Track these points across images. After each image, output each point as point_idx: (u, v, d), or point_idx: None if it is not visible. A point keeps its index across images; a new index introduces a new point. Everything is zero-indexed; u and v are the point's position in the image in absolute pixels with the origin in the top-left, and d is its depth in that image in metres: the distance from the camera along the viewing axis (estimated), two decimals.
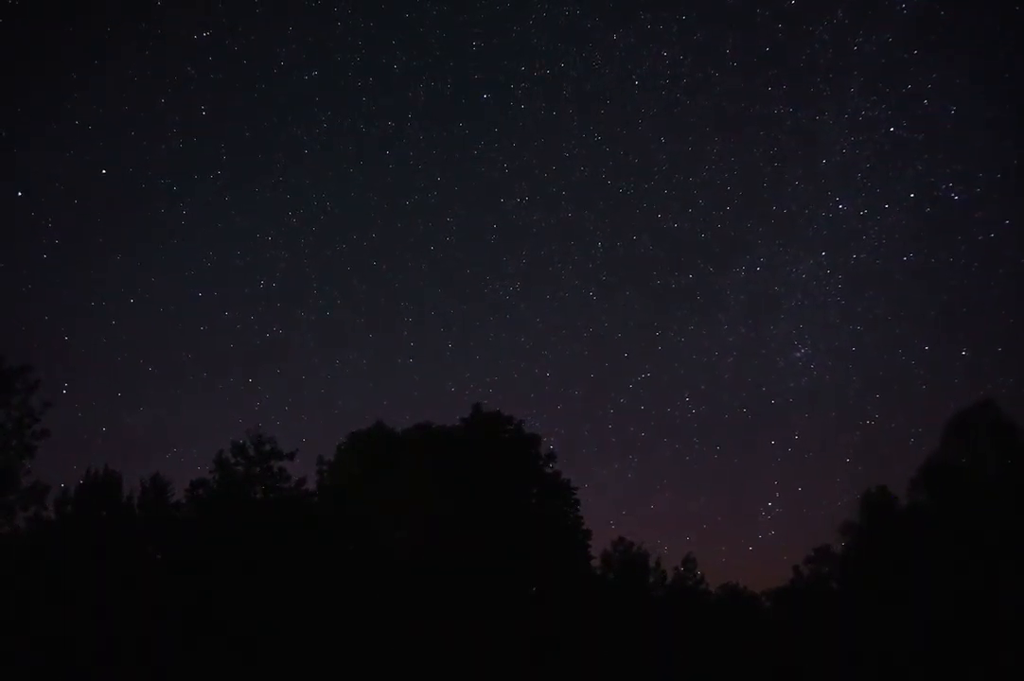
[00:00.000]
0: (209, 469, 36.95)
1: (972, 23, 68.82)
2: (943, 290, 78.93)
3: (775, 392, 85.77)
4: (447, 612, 36.57)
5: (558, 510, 45.59)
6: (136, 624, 29.61)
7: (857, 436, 79.94)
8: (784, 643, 50.52)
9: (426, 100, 78.79)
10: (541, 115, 79.16)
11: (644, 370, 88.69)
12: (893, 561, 39.28)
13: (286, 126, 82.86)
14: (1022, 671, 32.96)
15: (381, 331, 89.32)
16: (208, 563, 32.55)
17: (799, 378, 78.48)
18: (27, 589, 28.62)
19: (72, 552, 30.37)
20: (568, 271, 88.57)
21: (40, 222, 72.42)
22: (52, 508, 32.24)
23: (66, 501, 32.95)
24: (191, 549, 33.30)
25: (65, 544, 30.73)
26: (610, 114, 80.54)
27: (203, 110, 75.24)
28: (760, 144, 79.31)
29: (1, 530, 29.89)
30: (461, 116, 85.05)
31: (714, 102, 76.76)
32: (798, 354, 77.12)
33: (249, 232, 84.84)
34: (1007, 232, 68.61)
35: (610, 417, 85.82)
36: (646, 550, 57.14)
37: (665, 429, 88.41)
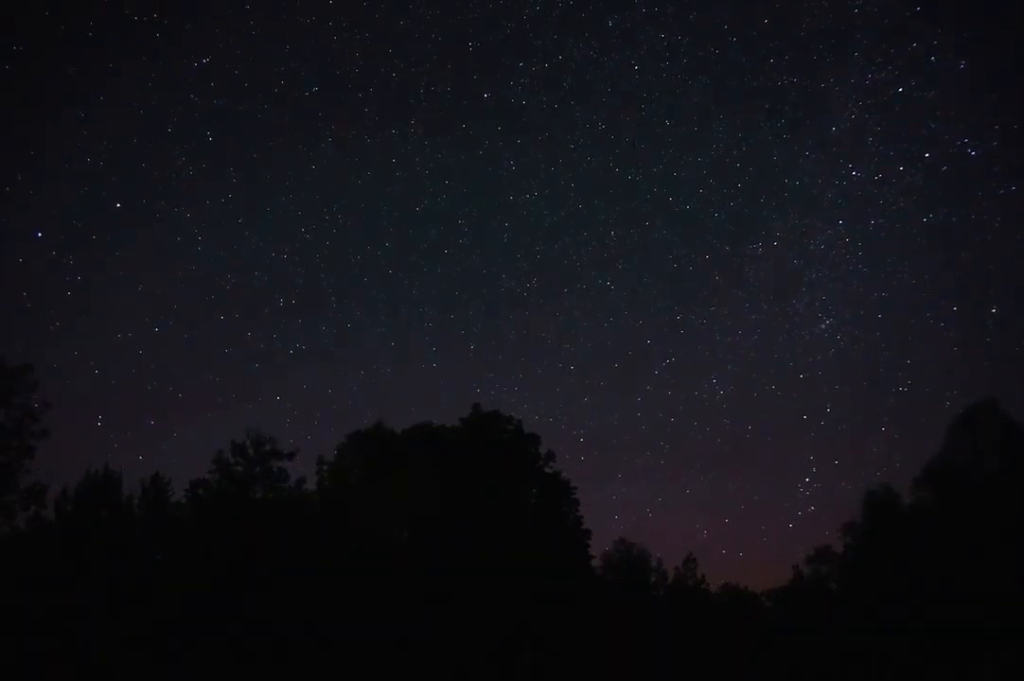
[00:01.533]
0: (209, 469, 36.94)
1: None
2: (967, 248, 76.99)
3: (803, 366, 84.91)
4: (447, 611, 36.52)
5: (558, 510, 45.54)
6: (136, 623, 29.57)
7: (891, 403, 78.92)
8: (784, 643, 50.48)
9: (427, 104, 79.16)
10: (543, 109, 79.07)
11: (668, 355, 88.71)
12: (894, 560, 39.24)
13: (291, 144, 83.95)
14: (1023, 671, 32.94)
15: (403, 338, 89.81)
16: (208, 563, 32.50)
17: (826, 350, 78.14)
18: (27, 589, 28.56)
19: (72, 552, 30.31)
20: (583, 262, 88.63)
21: (61, 259, 73.49)
22: (52, 508, 32.21)
23: (66, 501, 32.90)
24: (191, 549, 33.24)
25: (65, 544, 30.67)
26: (612, 102, 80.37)
27: (209, 136, 76.03)
28: (767, 117, 77.79)
29: (1, 530, 29.86)
30: (463, 117, 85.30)
31: (716, 79, 76.38)
32: (823, 326, 76.62)
33: (264, 251, 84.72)
34: None
35: (638, 405, 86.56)
36: (647, 550, 57.31)
37: (694, 412, 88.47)
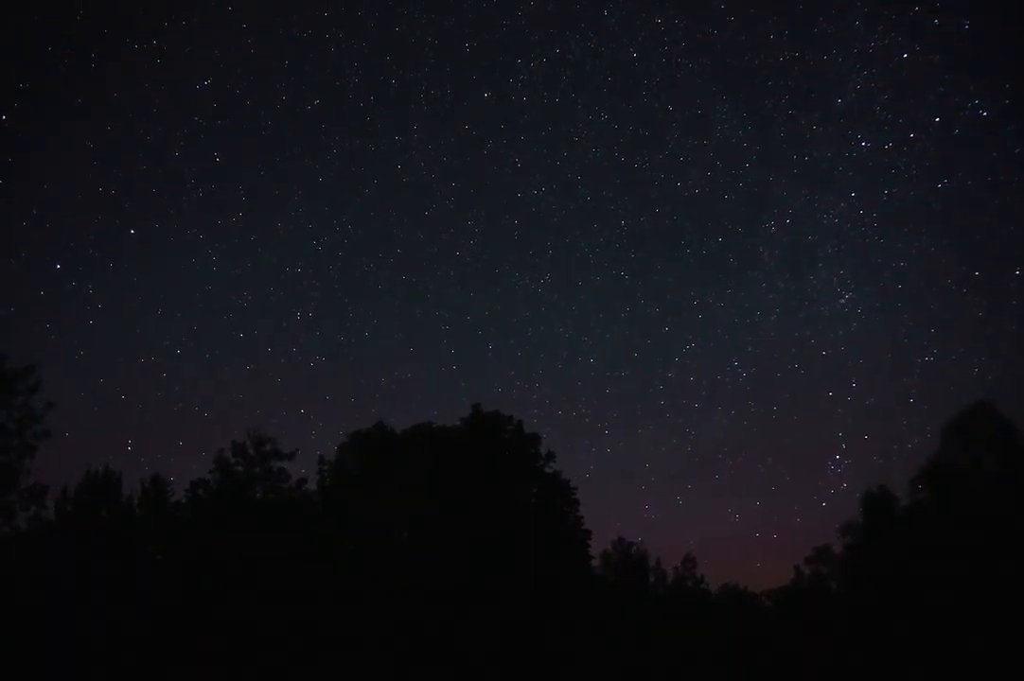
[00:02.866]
0: (209, 469, 37.00)
1: None
2: (985, 211, 75.54)
3: (825, 343, 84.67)
4: (447, 611, 36.59)
5: (558, 510, 45.60)
6: (136, 624, 29.66)
7: (917, 375, 76.59)
8: (784, 643, 50.53)
9: (428, 109, 79.26)
10: (544, 104, 78.94)
11: (688, 341, 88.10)
12: (893, 561, 39.28)
13: (297, 158, 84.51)
14: (1022, 671, 32.98)
15: (421, 343, 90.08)
16: (208, 563, 32.58)
17: (848, 325, 76.98)
18: (27, 589, 28.66)
19: (72, 552, 30.40)
20: (596, 254, 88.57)
21: (81, 290, 74.04)
22: (52, 508, 32.30)
23: (66, 501, 33.01)
24: (191, 549, 33.33)
25: (65, 544, 30.77)
26: (613, 91, 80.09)
27: (216, 156, 77.59)
28: (770, 94, 76.79)
29: (1, 530, 29.94)
30: (465, 118, 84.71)
31: (717, 60, 75.88)
32: (843, 301, 75.75)
33: (278, 267, 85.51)
34: None
35: (661, 393, 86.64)
36: (646, 550, 57.45)
37: (718, 397, 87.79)
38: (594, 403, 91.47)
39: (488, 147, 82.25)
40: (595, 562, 51.97)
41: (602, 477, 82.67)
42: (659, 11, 75.04)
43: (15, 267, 70.98)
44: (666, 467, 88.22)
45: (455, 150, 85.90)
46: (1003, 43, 66.30)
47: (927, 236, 78.18)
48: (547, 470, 45.96)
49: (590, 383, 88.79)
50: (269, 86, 76.41)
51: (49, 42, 68.25)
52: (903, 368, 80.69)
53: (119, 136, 76.87)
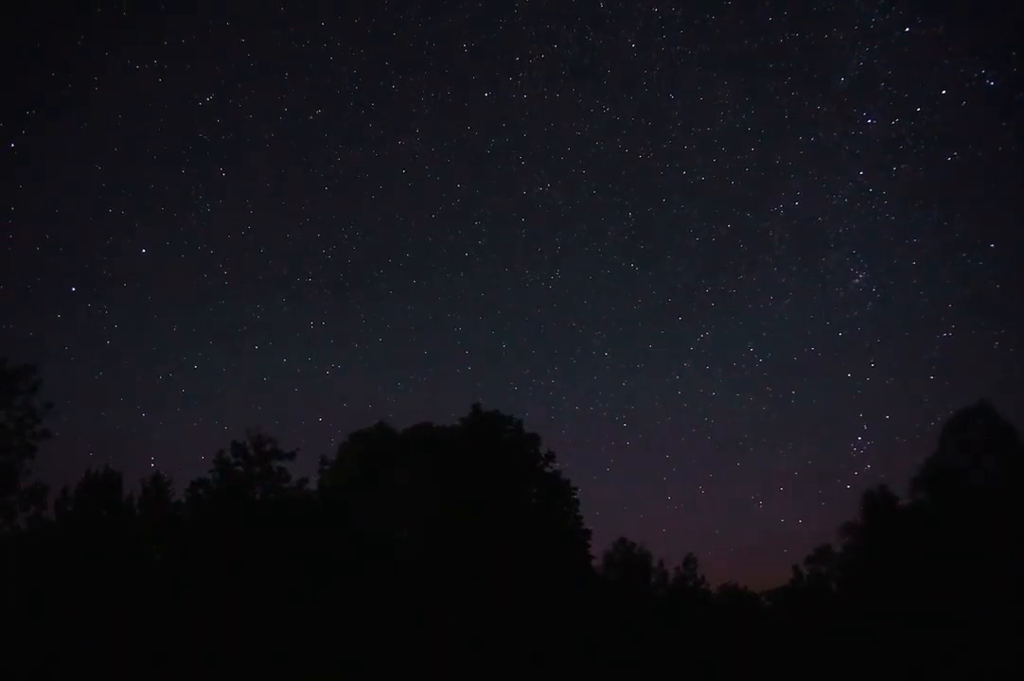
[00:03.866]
0: (209, 469, 37.06)
1: None
2: (997, 183, 73.77)
3: (841, 324, 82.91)
4: (447, 612, 36.62)
5: (558, 510, 45.64)
6: (136, 624, 29.68)
7: (936, 352, 75.34)
8: (784, 643, 50.48)
9: (429, 111, 79.19)
10: (545, 100, 78.65)
11: (702, 330, 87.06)
12: (893, 561, 39.30)
13: (302, 168, 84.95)
14: (1021, 671, 32.97)
15: (435, 346, 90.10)
16: (208, 563, 32.62)
17: (863, 305, 76.02)
18: (27, 589, 28.71)
19: (72, 552, 30.45)
20: (604, 248, 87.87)
21: (97, 312, 75.26)
22: (52, 508, 32.37)
23: (66, 501, 33.07)
24: (191, 549, 33.37)
25: (65, 544, 30.82)
26: (613, 83, 79.44)
27: (223, 172, 78.11)
28: (772, 77, 75.36)
29: (1, 530, 30.01)
30: (466, 119, 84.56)
31: (716, 45, 74.91)
32: (856, 280, 74.69)
33: (289, 278, 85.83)
34: None
35: (678, 384, 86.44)
36: (648, 550, 57.44)
37: (736, 384, 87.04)
38: (611, 397, 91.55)
39: (491, 146, 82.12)
40: (598, 562, 52.09)
41: (622, 470, 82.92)
42: (655, 0, 74.49)
43: (32, 292, 72.16)
44: (686, 457, 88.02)
45: (458, 151, 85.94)
46: (1007, 10, 64.20)
47: (939, 211, 76.73)
48: (547, 470, 46.07)
49: (606, 377, 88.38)
50: (270, 98, 77.54)
51: (52, 67, 69.00)
52: (921, 346, 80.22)
53: (126, 156, 78.04)
